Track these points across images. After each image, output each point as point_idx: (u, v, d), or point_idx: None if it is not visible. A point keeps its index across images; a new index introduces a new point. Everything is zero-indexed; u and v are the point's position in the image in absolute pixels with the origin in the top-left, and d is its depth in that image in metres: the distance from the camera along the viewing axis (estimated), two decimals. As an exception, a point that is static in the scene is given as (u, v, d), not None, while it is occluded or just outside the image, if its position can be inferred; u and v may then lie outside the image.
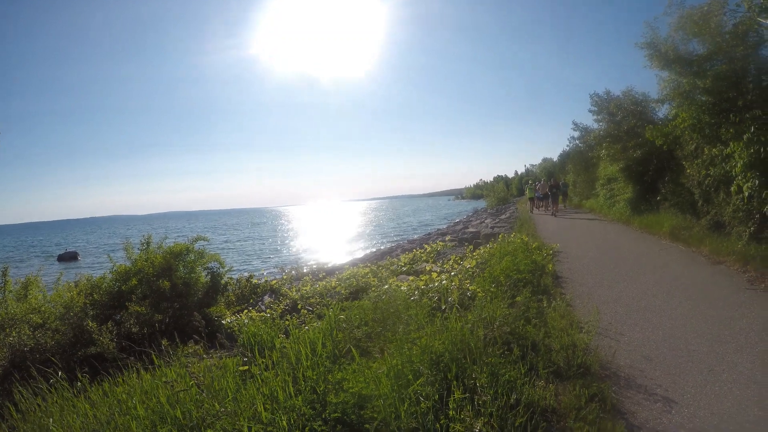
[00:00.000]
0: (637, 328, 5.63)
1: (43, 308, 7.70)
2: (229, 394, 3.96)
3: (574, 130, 26.98)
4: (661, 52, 11.12)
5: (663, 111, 15.98)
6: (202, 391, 4.11)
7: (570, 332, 4.99)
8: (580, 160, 29.88)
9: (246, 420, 3.45)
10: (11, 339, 6.77)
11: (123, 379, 4.91)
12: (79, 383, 4.85)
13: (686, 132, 11.14)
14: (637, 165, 17.07)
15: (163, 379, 4.44)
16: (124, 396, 4.34)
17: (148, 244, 8.96)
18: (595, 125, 20.88)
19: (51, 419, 4.11)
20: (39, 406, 4.52)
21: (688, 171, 12.36)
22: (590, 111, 19.79)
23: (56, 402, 4.53)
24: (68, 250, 46.31)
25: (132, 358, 5.75)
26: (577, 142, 28.27)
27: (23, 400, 4.61)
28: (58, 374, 4.98)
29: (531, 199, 29.25)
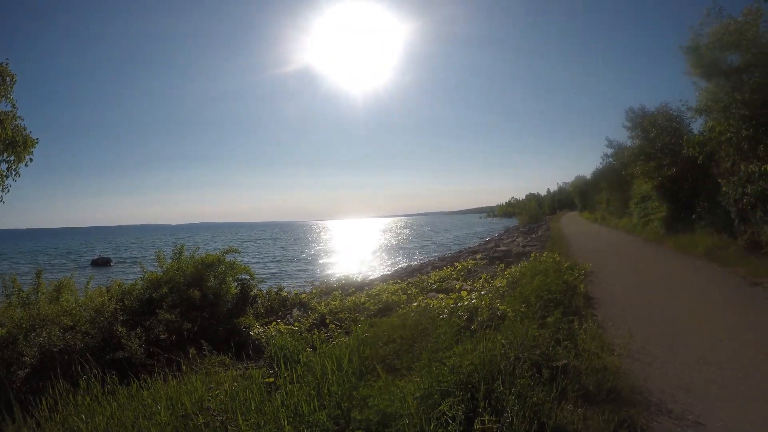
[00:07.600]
0: (670, 351, 5.41)
1: (74, 311, 7.86)
2: (253, 405, 3.96)
3: (608, 147, 26.15)
4: (703, 61, 10.91)
5: (698, 126, 15.60)
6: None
7: (601, 355, 4.84)
8: (613, 179, 29.26)
9: (269, 432, 3.44)
10: (41, 339, 6.95)
11: (149, 384, 4.96)
12: (108, 385, 4.93)
13: (723, 146, 10.85)
14: (671, 183, 16.67)
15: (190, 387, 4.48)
16: (149, 401, 4.39)
17: (180, 253, 9.10)
18: (629, 142, 20.41)
19: (81, 417, 4.18)
20: (66, 404, 4.59)
21: (724, 189, 11.91)
22: (624, 126, 19.36)
23: (84, 401, 4.60)
24: (101, 256, 47.50)
25: (158, 364, 5.82)
26: (610, 159, 27.60)
27: (50, 396, 4.69)
28: (89, 373, 5.08)
29: None
